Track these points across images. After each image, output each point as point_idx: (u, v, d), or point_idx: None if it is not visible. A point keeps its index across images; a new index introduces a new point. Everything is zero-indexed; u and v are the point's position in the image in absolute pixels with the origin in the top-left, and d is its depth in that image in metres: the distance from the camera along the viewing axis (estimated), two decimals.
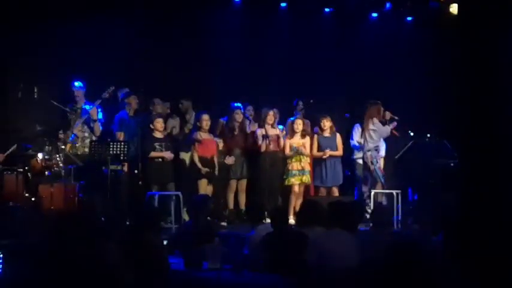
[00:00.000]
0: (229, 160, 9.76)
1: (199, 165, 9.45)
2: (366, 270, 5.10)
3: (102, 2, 10.06)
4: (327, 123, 9.97)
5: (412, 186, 10.58)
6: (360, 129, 10.22)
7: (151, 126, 9.50)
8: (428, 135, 10.67)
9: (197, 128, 9.67)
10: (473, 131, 6.58)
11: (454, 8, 9.85)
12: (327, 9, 11.78)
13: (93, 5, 9.96)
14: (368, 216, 8.96)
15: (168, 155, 9.44)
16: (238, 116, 9.92)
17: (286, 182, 9.68)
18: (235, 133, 9.90)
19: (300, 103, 10.70)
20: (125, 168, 9.29)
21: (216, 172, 9.63)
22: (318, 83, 11.64)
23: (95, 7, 9.97)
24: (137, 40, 10.60)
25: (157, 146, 9.45)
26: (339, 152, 9.98)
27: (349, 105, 11.44)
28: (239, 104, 9.99)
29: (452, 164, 9.84)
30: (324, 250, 5.47)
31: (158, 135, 9.53)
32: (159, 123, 9.51)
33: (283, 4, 11.68)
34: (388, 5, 11.49)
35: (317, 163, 9.97)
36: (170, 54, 10.93)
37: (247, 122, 10.29)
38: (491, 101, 6.85)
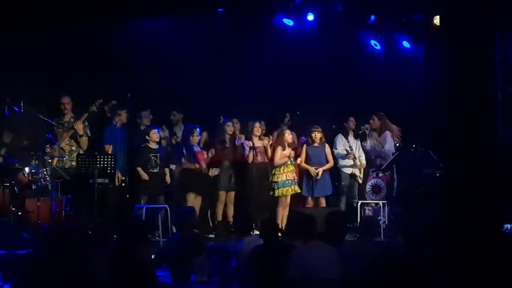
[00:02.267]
0: (214, 171, 9.78)
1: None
2: (352, 282, 5.13)
3: (90, 14, 10.06)
4: (318, 135, 10.01)
5: None
6: (343, 140, 10.30)
7: (146, 137, 9.52)
8: (414, 145, 10.74)
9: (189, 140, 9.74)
10: (458, 139, 6.66)
11: (437, 20, 9.95)
12: (310, 19, 11.79)
13: (80, 17, 9.97)
14: (355, 226, 9.02)
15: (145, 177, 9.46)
16: (229, 129, 9.97)
17: (279, 193, 9.65)
18: (227, 145, 9.94)
19: (287, 116, 10.80)
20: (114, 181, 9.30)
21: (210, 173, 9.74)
22: (305, 95, 11.67)
23: (82, 19, 9.99)
24: (125, 52, 10.62)
25: (152, 157, 9.46)
26: (331, 163, 10.01)
27: (337, 117, 11.48)
28: (227, 118, 10.08)
29: (438, 174, 9.89)
30: (305, 263, 5.50)
31: (153, 145, 9.54)
32: (154, 134, 9.54)
33: (268, 17, 11.74)
34: (372, 17, 11.56)
35: (305, 174, 10.00)
36: (157, 66, 10.96)
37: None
38: (477, 111, 6.93)
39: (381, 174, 9.79)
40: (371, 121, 10.29)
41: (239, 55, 11.59)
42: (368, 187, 9.87)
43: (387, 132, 10.01)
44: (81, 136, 9.32)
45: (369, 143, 10.27)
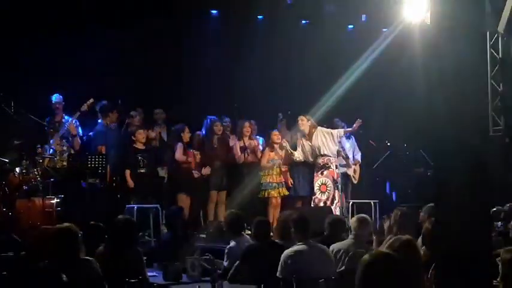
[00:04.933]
0: (205, 171, 9.76)
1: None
2: (344, 283, 5.14)
3: (79, 16, 10.07)
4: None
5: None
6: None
7: (133, 137, 9.49)
8: (405, 144, 10.78)
9: (180, 140, 9.71)
10: (447, 140, 6.65)
11: (428, 19, 9.97)
12: (303, 21, 11.86)
13: (70, 18, 9.98)
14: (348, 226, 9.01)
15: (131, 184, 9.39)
16: (218, 129, 9.95)
17: (265, 194, 9.65)
18: (215, 145, 9.92)
19: (280, 115, 10.78)
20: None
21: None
22: (298, 94, 11.68)
23: (72, 21, 9.99)
24: (115, 53, 10.61)
25: (139, 158, 9.44)
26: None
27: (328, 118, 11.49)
28: (213, 117, 10.03)
29: (429, 173, 9.92)
30: (297, 263, 5.51)
31: (140, 146, 9.52)
32: (140, 134, 9.50)
33: (260, 17, 11.75)
34: (363, 17, 11.60)
35: (293, 174, 9.98)
36: (146, 67, 10.95)
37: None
38: (467, 110, 6.94)
39: (325, 172, 9.62)
40: (300, 122, 9.75)
41: (231, 54, 11.61)
42: (316, 186, 9.75)
43: (318, 130, 9.70)
44: (74, 136, 9.29)
45: (300, 149, 9.77)
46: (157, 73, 11.02)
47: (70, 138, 9.31)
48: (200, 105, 10.95)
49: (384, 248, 4.11)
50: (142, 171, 9.46)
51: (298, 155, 9.68)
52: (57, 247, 4.77)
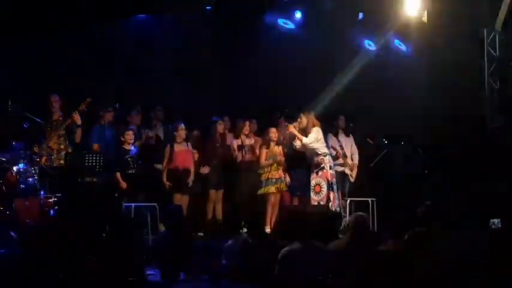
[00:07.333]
0: (205, 170, 9.76)
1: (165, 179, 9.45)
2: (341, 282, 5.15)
3: (79, 16, 10.07)
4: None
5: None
6: (333, 138, 10.26)
7: (122, 138, 9.46)
8: (402, 142, 10.78)
9: (173, 138, 9.68)
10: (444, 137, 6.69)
11: (425, 17, 9.98)
12: (300, 18, 11.86)
13: (70, 18, 9.98)
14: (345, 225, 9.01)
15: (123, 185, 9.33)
16: (221, 127, 9.95)
17: (265, 190, 9.60)
18: (217, 144, 9.91)
19: (277, 114, 10.78)
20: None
21: (190, 182, 9.58)
22: (296, 92, 11.69)
23: (72, 21, 9.99)
24: (114, 52, 10.62)
25: (128, 159, 9.41)
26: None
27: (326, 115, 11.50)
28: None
29: (426, 171, 9.93)
30: (295, 262, 5.52)
31: (127, 147, 9.46)
32: (128, 135, 9.46)
33: (256, 14, 11.76)
34: (360, 15, 11.61)
35: (291, 172, 9.97)
36: (145, 66, 10.96)
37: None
38: (464, 109, 6.99)
39: (320, 173, 9.58)
40: (299, 120, 9.65)
41: (229, 53, 11.61)
42: (311, 185, 9.67)
43: (315, 128, 9.56)
44: (78, 127, 9.27)
45: (298, 144, 9.69)
46: (157, 73, 11.03)
47: (75, 129, 9.27)
48: (199, 104, 10.95)
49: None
50: (131, 171, 9.42)
51: (299, 144, 9.68)
52: (59, 246, 4.78)
